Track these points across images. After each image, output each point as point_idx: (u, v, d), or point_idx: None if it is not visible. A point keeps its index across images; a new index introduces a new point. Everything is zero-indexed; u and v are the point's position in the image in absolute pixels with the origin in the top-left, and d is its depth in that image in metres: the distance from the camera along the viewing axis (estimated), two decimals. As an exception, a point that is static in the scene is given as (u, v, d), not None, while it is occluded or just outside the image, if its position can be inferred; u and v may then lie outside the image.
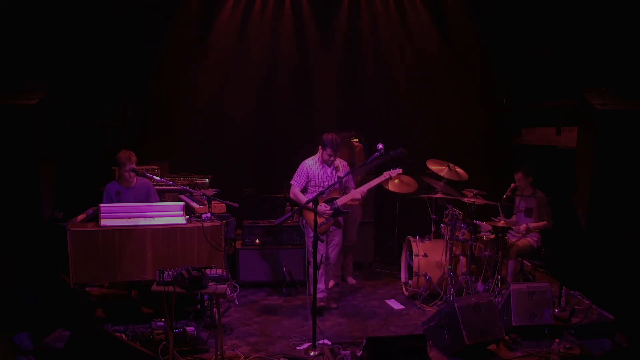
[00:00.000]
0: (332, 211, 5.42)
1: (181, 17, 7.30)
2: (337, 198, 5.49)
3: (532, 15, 6.84)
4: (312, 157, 5.62)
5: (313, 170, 5.53)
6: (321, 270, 5.45)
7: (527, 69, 7.33)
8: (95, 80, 6.79)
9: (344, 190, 5.59)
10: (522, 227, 5.78)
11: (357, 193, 5.50)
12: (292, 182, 5.59)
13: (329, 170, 5.54)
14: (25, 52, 5.62)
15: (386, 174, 5.52)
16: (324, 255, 5.34)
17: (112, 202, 5.37)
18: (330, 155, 5.46)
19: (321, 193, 5.05)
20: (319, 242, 5.30)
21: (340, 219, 5.56)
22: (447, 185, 5.87)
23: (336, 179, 5.50)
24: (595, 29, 5.62)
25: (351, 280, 6.55)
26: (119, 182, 5.46)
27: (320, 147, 5.53)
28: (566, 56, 6.33)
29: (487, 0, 7.34)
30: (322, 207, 5.41)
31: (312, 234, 5.12)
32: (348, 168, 5.66)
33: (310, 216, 5.29)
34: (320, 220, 5.35)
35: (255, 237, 6.30)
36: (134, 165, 5.30)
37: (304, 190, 5.53)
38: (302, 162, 5.63)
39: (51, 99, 4.88)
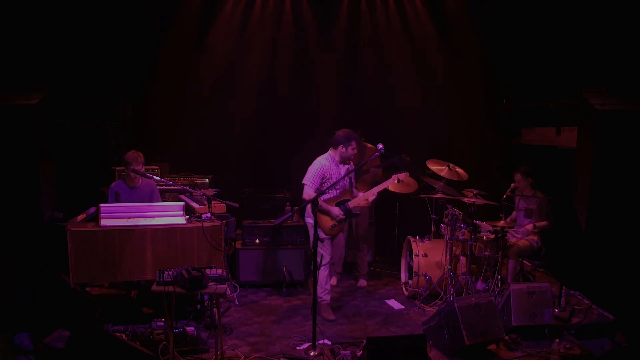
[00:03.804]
0: (344, 215, 5.34)
1: (181, 17, 7.31)
2: (348, 200, 5.39)
3: (532, 16, 6.84)
4: (324, 156, 5.41)
5: (329, 170, 5.33)
6: (327, 272, 5.43)
7: (527, 69, 7.33)
8: (95, 81, 6.79)
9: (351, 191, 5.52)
10: (529, 227, 5.78)
11: (368, 195, 5.39)
12: (305, 182, 5.31)
13: (342, 170, 5.39)
14: (25, 52, 5.62)
15: (394, 177, 5.45)
16: (325, 255, 5.29)
17: (116, 201, 5.39)
18: (354, 149, 5.32)
19: (322, 193, 5.03)
20: (326, 244, 5.30)
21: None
22: (447, 185, 5.87)
23: (347, 179, 5.40)
24: (595, 29, 5.63)
25: (362, 283, 6.51)
26: (126, 182, 5.48)
27: (340, 145, 5.30)
28: (566, 56, 6.33)
29: (487, 0, 7.35)
30: (337, 210, 5.31)
31: (322, 236, 5.09)
32: (353, 167, 5.54)
33: (324, 219, 5.27)
34: (331, 222, 5.34)
35: (255, 237, 6.30)
36: (138, 167, 5.31)
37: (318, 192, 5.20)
38: (316, 162, 5.38)
39: (51, 99, 4.87)
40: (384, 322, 5.42)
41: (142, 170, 5.36)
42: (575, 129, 5.55)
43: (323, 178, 5.30)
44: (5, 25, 5.44)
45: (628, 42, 5.17)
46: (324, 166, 5.32)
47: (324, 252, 5.27)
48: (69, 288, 4.97)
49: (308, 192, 5.25)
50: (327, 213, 5.32)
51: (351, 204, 5.38)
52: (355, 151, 5.39)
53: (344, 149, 5.33)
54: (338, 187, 5.37)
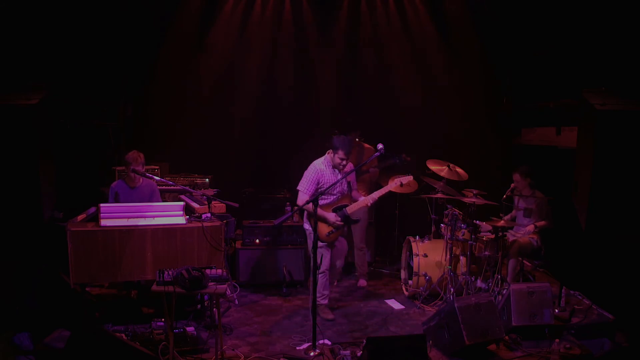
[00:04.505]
0: (342, 222, 5.21)
1: (181, 17, 7.32)
2: (346, 205, 5.24)
3: (532, 16, 6.84)
4: (321, 159, 5.26)
5: (325, 175, 5.17)
6: (326, 279, 5.37)
7: (527, 69, 7.33)
8: (95, 81, 6.79)
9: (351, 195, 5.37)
10: (530, 227, 5.77)
11: (368, 200, 5.24)
12: (299, 188, 5.17)
13: (339, 174, 5.22)
14: (25, 52, 5.63)
15: (397, 181, 5.30)
16: (323, 262, 5.19)
17: (115, 200, 5.40)
18: (342, 159, 5.08)
19: (321, 193, 4.95)
20: (325, 252, 5.25)
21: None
22: (447, 185, 5.87)
23: (346, 184, 5.24)
24: (594, 29, 5.63)
25: (362, 283, 6.51)
26: (126, 182, 5.48)
27: (330, 149, 5.16)
28: (566, 56, 6.33)
29: (488, 0, 7.35)
30: (333, 217, 5.18)
31: (320, 244, 5.04)
32: (352, 168, 5.35)
33: (320, 226, 5.13)
34: (328, 229, 5.23)
35: (255, 237, 6.29)
36: (138, 167, 5.31)
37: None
38: (311, 166, 5.21)
39: (51, 99, 4.87)
40: (384, 322, 5.42)
41: (142, 170, 5.36)
42: (575, 129, 5.55)
43: (318, 183, 5.16)
44: (5, 25, 5.44)
45: (628, 42, 5.17)
46: (319, 171, 5.18)
47: (323, 260, 5.17)
48: (69, 288, 4.97)
49: (302, 199, 5.12)
50: (323, 219, 5.17)
51: (350, 209, 5.24)
52: (345, 162, 5.15)
53: (332, 154, 5.17)
54: (335, 192, 5.23)
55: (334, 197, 5.27)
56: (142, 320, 5.00)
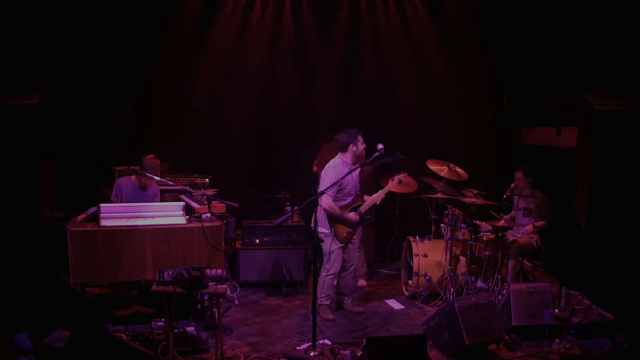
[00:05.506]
0: (360, 222, 5.31)
1: (181, 17, 7.32)
2: (360, 205, 5.31)
3: (533, 16, 6.85)
4: (336, 161, 5.23)
5: (345, 176, 5.10)
6: (335, 281, 5.40)
7: (527, 69, 7.33)
8: (95, 80, 6.79)
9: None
10: (529, 227, 5.77)
11: (377, 198, 5.33)
12: (324, 189, 4.97)
13: (355, 174, 5.24)
14: (25, 52, 5.63)
15: (396, 178, 5.42)
16: (335, 265, 5.28)
17: (120, 195, 5.45)
18: (363, 143, 5.22)
19: (322, 193, 4.92)
20: (338, 254, 5.28)
21: None
22: (447, 185, 5.87)
23: (358, 184, 5.33)
24: (595, 29, 5.63)
25: (362, 283, 6.50)
26: (135, 181, 5.51)
27: (350, 145, 5.17)
28: (566, 56, 6.33)
29: (488, 0, 7.36)
30: (352, 216, 5.24)
31: (339, 245, 5.14)
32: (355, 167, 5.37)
33: (339, 228, 5.21)
34: (347, 230, 5.27)
35: (255, 237, 6.29)
36: (143, 171, 5.32)
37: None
38: (331, 167, 5.18)
39: (51, 99, 4.88)
40: (384, 322, 5.42)
41: (143, 172, 5.38)
42: (575, 129, 5.56)
43: (340, 185, 5.15)
44: (5, 25, 5.44)
45: (628, 42, 5.17)
46: (340, 172, 5.12)
47: (336, 262, 5.26)
48: (69, 288, 4.97)
49: (327, 203, 5.09)
50: (341, 221, 5.23)
51: (362, 208, 5.31)
52: (365, 145, 5.27)
53: (354, 147, 5.20)
54: (353, 192, 5.28)
55: (352, 197, 5.32)
56: (142, 320, 5.00)
